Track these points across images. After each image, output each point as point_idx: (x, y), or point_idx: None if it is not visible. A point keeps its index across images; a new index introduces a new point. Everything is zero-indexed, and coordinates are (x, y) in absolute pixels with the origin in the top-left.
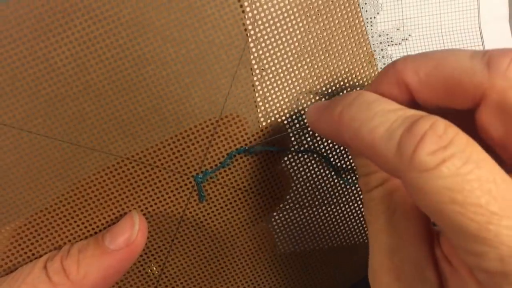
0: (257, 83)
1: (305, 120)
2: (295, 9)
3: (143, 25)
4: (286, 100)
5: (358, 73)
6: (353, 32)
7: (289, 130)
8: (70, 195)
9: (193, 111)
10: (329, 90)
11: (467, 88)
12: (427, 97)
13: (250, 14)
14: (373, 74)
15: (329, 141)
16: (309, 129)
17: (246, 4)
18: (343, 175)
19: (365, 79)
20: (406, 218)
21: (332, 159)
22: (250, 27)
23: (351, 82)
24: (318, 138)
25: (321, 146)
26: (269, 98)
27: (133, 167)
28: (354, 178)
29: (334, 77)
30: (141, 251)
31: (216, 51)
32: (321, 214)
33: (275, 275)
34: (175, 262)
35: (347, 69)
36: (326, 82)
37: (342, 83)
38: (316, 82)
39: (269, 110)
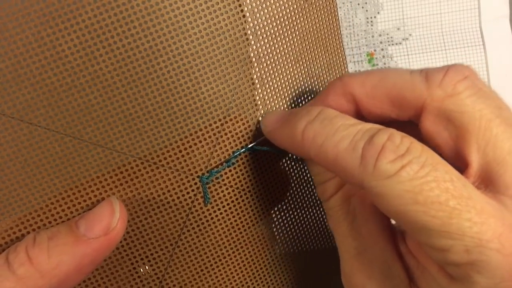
0: (256, 81)
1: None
2: (295, 8)
3: (156, 15)
4: (286, 100)
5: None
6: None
7: None
8: (68, 194)
9: (202, 106)
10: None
11: (409, 99)
12: (372, 109)
13: (249, 18)
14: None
15: None
16: None
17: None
18: None
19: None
20: (366, 220)
21: None
22: (250, 24)
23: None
24: None
25: None
26: (269, 98)
27: (137, 166)
28: None
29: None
30: (120, 239)
31: (226, 44)
32: (322, 213)
33: (275, 276)
34: (176, 272)
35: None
36: (326, 81)
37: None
38: (317, 82)
39: (269, 110)
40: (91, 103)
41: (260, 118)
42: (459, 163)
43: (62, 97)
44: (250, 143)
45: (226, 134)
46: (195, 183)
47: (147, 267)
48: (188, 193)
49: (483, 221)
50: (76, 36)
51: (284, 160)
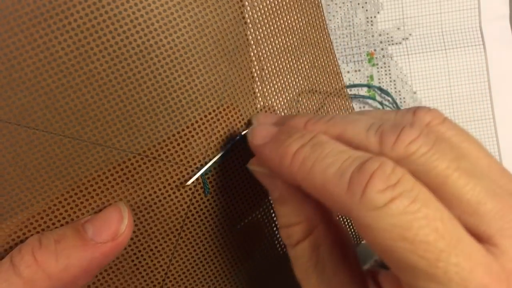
0: (257, 81)
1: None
2: (295, 7)
3: (146, 10)
4: (287, 99)
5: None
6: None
7: None
8: (71, 194)
9: (196, 98)
10: (329, 89)
11: None
12: None
13: (250, 17)
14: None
15: None
16: None
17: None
18: None
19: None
20: (337, 271)
21: None
22: (249, 24)
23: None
24: None
25: None
26: (269, 97)
27: (136, 162)
28: None
29: (336, 76)
30: (126, 243)
31: (214, 36)
32: None
33: (277, 260)
34: (180, 263)
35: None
36: (327, 81)
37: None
38: (317, 82)
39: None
40: (88, 103)
41: (255, 109)
42: None
43: (58, 99)
44: (243, 130)
45: (221, 124)
46: (194, 175)
47: (152, 260)
48: (187, 185)
49: (471, 267)
50: (69, 36)
51: None
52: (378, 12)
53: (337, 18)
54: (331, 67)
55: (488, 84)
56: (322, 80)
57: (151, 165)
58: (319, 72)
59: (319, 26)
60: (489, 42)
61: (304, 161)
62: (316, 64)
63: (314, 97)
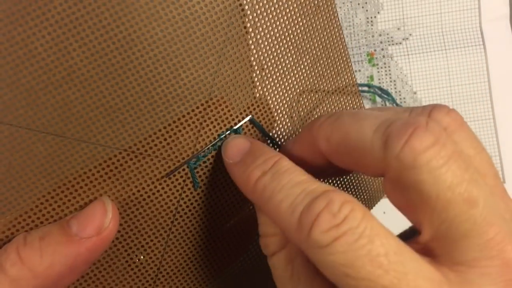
0: (257, 83)
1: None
2: (294, 7)
3: (126, 4)
4: (286, 99)
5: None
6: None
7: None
8: (57, 192)
9: (183, 93)
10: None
11: (369, 162)
12: (339, 164)
13: (250, 16)
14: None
15: None
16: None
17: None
18: None
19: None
20: (312, 283)
21: None
22: (249, 24)
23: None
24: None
25: None
26: (269, 97)
27: (123, 158)
28: None
29: (337, 77)
30: (112, 239)
31: (202, 28)
32: None
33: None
34: (172, 258)
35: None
36: (327, 81)
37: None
38: (317, 81)
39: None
40: (70, 99)
41: (244, 97)
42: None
43: (39, 96)
44: (235, 124)
45: (210, 118)
46: (183, 169)
47: (142, 256)
48: (177, 179)
49: None
50: (47, 33)
51: (268, 141)
52: (378, 12)
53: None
54: (340, 62)
55: (488, 84)
56: (327, 75)
57: (138, 161)
58: (325, 65)
59: (328, 15)
60: (489, 42)
61: (264, 190)
62: (322, 56)
63: (316, 93)
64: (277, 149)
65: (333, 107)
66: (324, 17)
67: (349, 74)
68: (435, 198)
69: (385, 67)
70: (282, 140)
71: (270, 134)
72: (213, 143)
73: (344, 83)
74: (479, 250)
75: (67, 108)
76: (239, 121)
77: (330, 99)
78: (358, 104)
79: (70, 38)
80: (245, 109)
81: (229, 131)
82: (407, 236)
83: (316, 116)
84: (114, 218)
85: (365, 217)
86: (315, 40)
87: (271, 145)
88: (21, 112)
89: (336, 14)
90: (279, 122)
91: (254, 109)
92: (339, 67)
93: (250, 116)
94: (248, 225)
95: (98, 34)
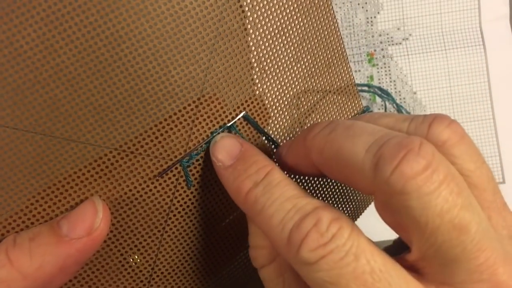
0: (257, 80)
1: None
2: (294, 7)
3: (114, 0)
4: (281, 95)
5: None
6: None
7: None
8: (47, 193)
9: (174, 90)
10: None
11: (359, 181)
12: (329, 175)
13: (249, 17)
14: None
15: None
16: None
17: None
18: None
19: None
20: None
21: None
22: (249, 25)
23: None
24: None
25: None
26: (263, 94)
27: (114, 157)
28: None
29: (338, 76)
30: (104, 239)
31: (192, 23)
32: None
33: None
34: (167, 258)
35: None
36: (324, 79)
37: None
38: (314, 79)
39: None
40: (58, 98)
41: (237, 93)
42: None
43: (26, 95)
44: (228, 121)
45: (202, 115)
46: (176, 168)
47: (136, 256)
48: (169, 178)
49: None
50: (32, 30)
51: (263, 138)
52: (378, 13)
53: (337, 19)
54: (338, 63)
55: (488, 84)
56: (324, 73)
57: (129, 160)
58: (322, 64)
59: (325, 17)
60: (489, 42)
61: (255, 203)
62: (319, 55)
63: (314, 93)
64: (273, 146)
65: (330, 106)
66: (321, 14)
67: (347, 74)
68: (424, 224)
69: (385, 67)
70: (278, 137)
71: (265, 130)
72: (206, 140)
73: (341, 82)
74: (468, 274)
75: (55, 107)
76: (233, 118)
77: (328, 99)
78: (357, 103)
79: (57, 35)
80: (238, 105)
81: (222, 128)
82: (397, 246)
83: (312, 116)
84: (105, 218)
85: (352, 235)
86: (311, 38)
87: (266, 142)
88: (8, 112)
89: (332, 11)
90: (274, 118)
91: (248, 105)
92: (336, 66)
93: (244, 112)
94: (243, 223)
95: (85, 30)
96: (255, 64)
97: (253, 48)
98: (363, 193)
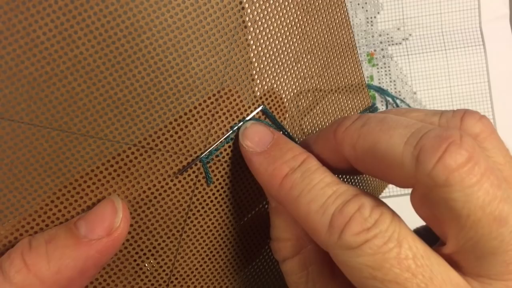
0: (274, 74)
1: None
2: (294, 6)
3: None
4: (302, 92)
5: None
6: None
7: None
8: (63, 192)
9: (194, 82)
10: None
11: (397, 176)
12: (362, 170)
13: (250, 15)
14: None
15: None
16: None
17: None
18: None
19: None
20: None
21: None
22: (249, 23)
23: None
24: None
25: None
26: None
27: (132, 153)
28: None
29: (349, 71)
30: (124, 239)
31: (213, 13)
32: None
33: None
34: (186, 259)
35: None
36: (328, 80)
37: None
38: (317, 81)
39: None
40: (75, 91)
41: (254, 88)
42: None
43: (43, 88)
44: (247, 115)
45: (222, 109)
46: (195, 164)
47: (151, 261)
48: (189, 175)
49: None
50: (50, 20)
51: (282, 132)
52: (378, 13)
53: None
54: (350, 58)
55: (488, 84)
56: (338, 70)
57: (148, 156)
58: (336, 61)
59: (339, 13)
60: (489, 42)
61: (292, 189)
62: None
63: (328, 88)
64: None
65: (342, 101)
66: (336, 11)
67: (357, 69)
68: (466, 216)
69: (385, 67)
70: (293, 132)
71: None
72: (225, 136)
73: (352, 77)
74: (505, 266)
75: (73, 101)
76: (251, 111)
77: (339, 94)
78: (366, 99)
79: (75, 25)
80: (257, 99)
81: (241, 122)
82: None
83: (326, 111)
84: (125, 218)
85: (393, 221)
86: (327, 33)
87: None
88: (23, 107)
89: (346, 9)
90: (290, 113)
91: (267, 99)
92: (348, 61)
93: (262, 106)
94: (265, 221)
95: (105, 21)
96: (273, 57)
97: (271, 40)
98: (399, 187)
